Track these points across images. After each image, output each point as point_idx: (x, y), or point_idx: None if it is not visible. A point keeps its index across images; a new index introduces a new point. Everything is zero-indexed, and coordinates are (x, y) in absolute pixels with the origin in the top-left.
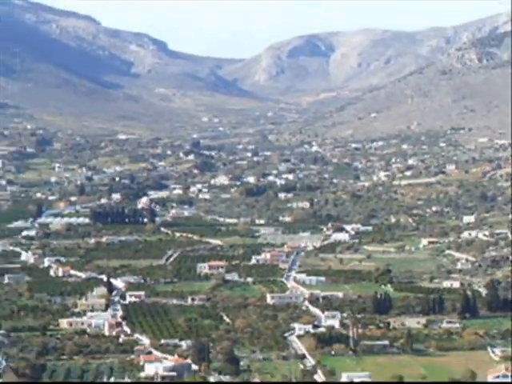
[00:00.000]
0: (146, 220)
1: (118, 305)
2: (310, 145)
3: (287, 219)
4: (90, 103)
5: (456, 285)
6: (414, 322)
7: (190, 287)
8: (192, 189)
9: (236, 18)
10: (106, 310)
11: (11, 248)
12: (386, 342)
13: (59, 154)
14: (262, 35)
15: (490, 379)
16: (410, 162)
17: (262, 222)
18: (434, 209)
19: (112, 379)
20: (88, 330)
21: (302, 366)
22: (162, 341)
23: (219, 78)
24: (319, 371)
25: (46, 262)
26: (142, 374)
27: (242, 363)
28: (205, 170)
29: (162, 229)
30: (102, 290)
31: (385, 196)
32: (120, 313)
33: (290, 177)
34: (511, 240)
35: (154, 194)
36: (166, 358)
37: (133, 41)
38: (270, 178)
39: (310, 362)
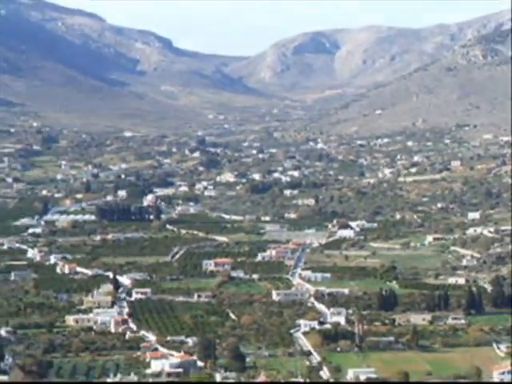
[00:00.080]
0: (151, 217)
1: (124, 302)
2: (315, 142)
3: (292, 216)
4: (95, 101)
5: (461, 281)
6: (420, 319)
7: (196, 284)
8: (198, 186)
9: (241, 15)
10: (112, 306)
11: (17, 245)
12: (392, 339)
13: (65, 152)
14: (267, 32)
15: (495, 375)
16: (415, 158)
17: (267, 218)
18: (439, 205)
19: (118, 376)
20: (94, 327)
21: (307, 363)
22: (168, 337)
23: (225, 76)
24: (325, 368)
25: (53, 259)
26: (148, 371)
27: (247, 360)
28: (210, 167)
29: (168, 226)
30: (109, 286)
31: (390, 193)
32: (126, 310)
33: (296, 174)
34: None
35: (159, 191)
36: (172, 355)
37: (138, 38)
38: (276, 175)
39: (316, 358)
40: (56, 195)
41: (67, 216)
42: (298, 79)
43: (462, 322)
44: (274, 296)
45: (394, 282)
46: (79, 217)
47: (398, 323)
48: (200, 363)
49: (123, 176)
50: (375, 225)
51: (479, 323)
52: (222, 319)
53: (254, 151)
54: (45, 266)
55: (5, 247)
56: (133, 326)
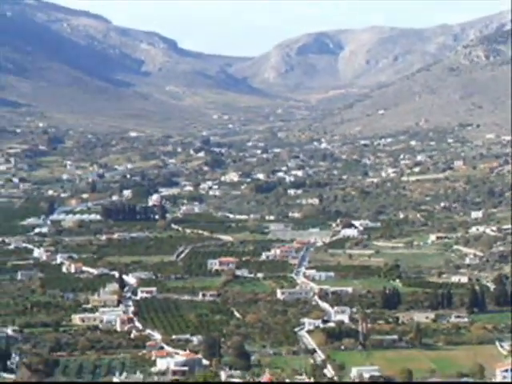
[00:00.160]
0: (156, 217)
1: (130, 301)
2: (319, 142)
3: (297, 215)
4: (101, 101)
5: (464, 280)
6: (423, 317)
7: (201, 283)
8: (202, 185)
9: (245, 16)
10: (117, 305)
11: (24, 245)
12: (395, 337)
13: (71, 152)
14: (268, 33)
15: (498, 373)
16: (418, 158)
17: (271, 218)
18: (442, 204)
19: (124, 374)
20: (100, 326)
21: (311, 361)
22: (174, 336)
23: (229, 76)
24: (329, 366)
25: (59, 258)
26: (154, 369)
27: (252, 358)
28: (215, 167)
29: (173, 225)
30: (114, 286)
31: (393, 192)
32: (132, 308)
33: (300, 173)
34: None
35: (164, 191)
36: (177, 353)
37: (143, 39)
38: (280, 174)
39: (320, 356)
40: (62, 195)
41: (73, 216)
42: (302, 79)
43: (465, 320)
44: (279, 295)
45: (398, 280)
46: (85, 216)
47: (401, 321)
48: (205, 361)
49: (128, 176)
50: (379, 224)
51: (482, 321)
52: (227, 318)
53: (259, 151)
54: (51, 265)
55: (11, 247)
56: (138, 324)
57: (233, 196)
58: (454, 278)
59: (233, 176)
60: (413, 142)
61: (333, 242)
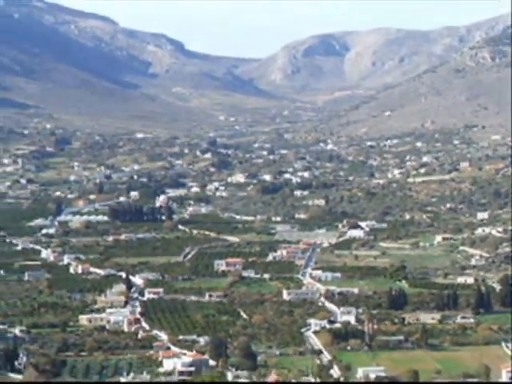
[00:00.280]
0: (163, 218)
1: (137, 301)
2: (325, 143)
3: (303, 216)
4: (108, 103)
5: (470, 280)
6: (429, 318)
7: (208, 284)
8: (209, 187)
9: (251, 17)
10: (124, 306)
11: (31, 246)
12: (401, 338)
13: (78, 153)
14: (277, 35)
15: (503, 373)
16: (424, 159)
17: (278, 219)
18: (448, 205)
19: (131, 375)
20: (107, 327)
21: (318, 361)
22: (180, 337)
23: (236, 78)
24: (335, 366)
25: (66, 259)
26: (161, 370)
27: (259, 358)
28: (221, 168)
29: (180, 226)
30: (121, 286)
31: (399, 193)
32: (139, 309)
33: (306, 174)
34: None
35: (171, 192)
36: (184, 354)
37: (150, 41)
38: (286, 175)
39: (327, 357)
40: (69, 196)
41: (80, 217)
42: (309, 81)
43: (471, 320)
44: (285, 295)
45: (404, 281)
46: (92, 217)
47: (407, 322)
48: (212, 362)
49: (135, 177)
50: (385, 225)
51: (488, 322)
52: (234, 318)
53: (265, 152)
54: (58, 266)
55: (19, 247)
56: (145, 325)
57: (239, 197)
58: (460, 279)
59: (239, 177)
60: (419, 144)
61: (339, 242)
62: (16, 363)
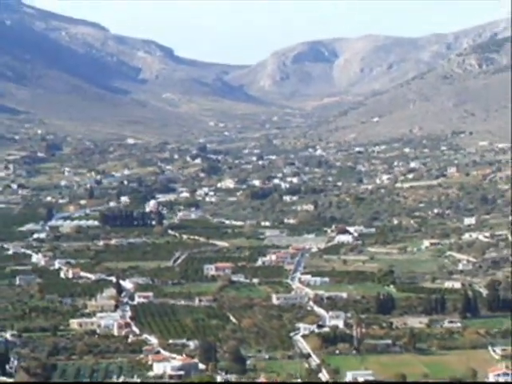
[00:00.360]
0: (153, 223)
1: (127, 305)
2: (314, 148)
3: (292, 221)
4: (98, 108)
5: (457, 285)
6: (417, 322)
7: (197, 288)
8: (199, 192)
9: (241, 24)
10: (115, 310)
11: (22, 250)
12: (389, 342)
13: (69, 159)
14: (266, 41)
15: (491, 377)
16: (412, 165)
17: (267, 224)
18: (435, 211)
19: (121, 378)
20: (98, 331)
21: (307, 365)
22: (170, 341)
23: (225, 84)
24: (324, 370)
25: (57, 263)
26: (151, 373)
27: (248, 362)
28: (211, 174)
29: (170, 231)
30: (112, 291)
31: (387, 198)
32: (129, 313)
33: (295, 180)
34: (511, 241)
35: (161, 197)
36: (173, 358)
37: (140, 47)
38: (275, 181)
39: (315, 360)
40: (60, 201)
41: (71, 221)
42: (298, 87)
43: (458, 325)
44: (274, 300)
45: (392, 286)
46: (83, 222)
47: (395, 326)
48: (201, 366)
49: (126, 182)
50: (373, 230)
51: (475, 326)
52: (223, 323)
53: (254, 158)
54: (49, 270)
55: (10, 252)
56: (135, 329)
57: (229, 202)
58: (448, 284)
59: (229, 182)
60: (407, 149)
61: (328, 247)
62: (7, 367)
